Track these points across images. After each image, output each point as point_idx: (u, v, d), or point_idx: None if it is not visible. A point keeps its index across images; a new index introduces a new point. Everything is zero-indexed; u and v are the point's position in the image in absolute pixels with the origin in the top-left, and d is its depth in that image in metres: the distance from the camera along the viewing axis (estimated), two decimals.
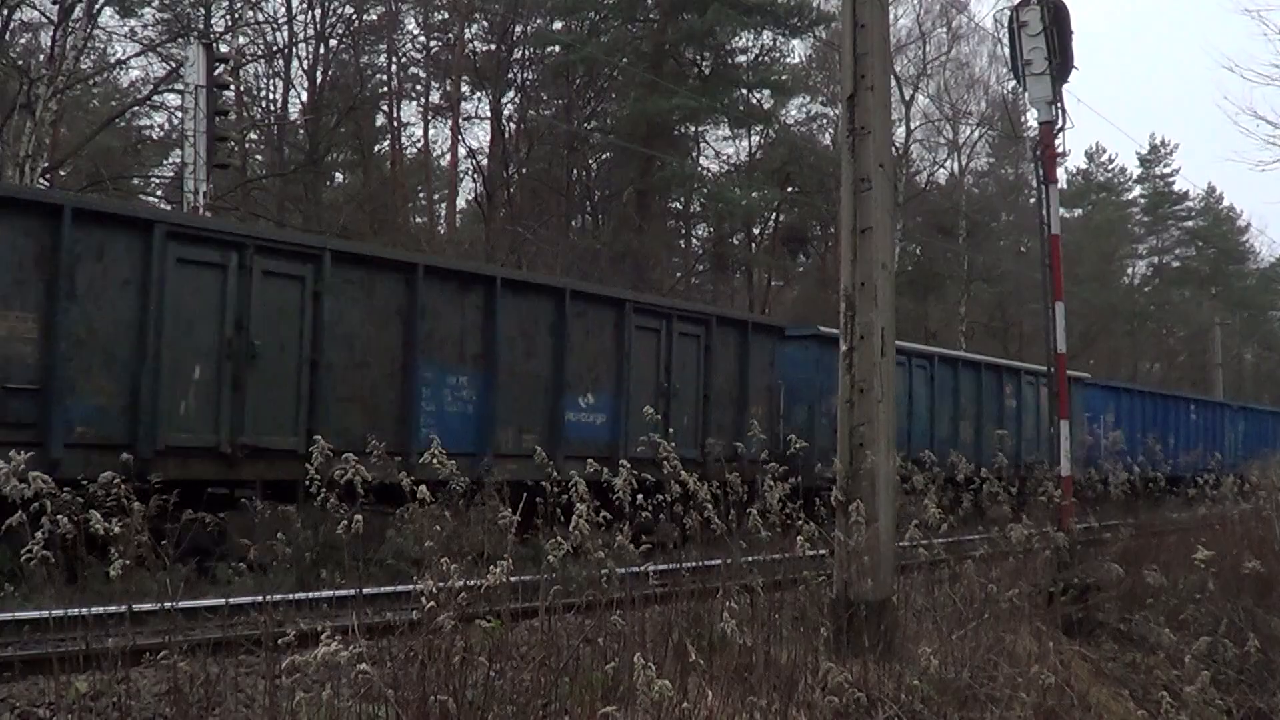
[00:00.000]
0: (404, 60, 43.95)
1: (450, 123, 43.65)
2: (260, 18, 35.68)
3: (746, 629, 7.26)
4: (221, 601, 8.12)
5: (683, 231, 49.94)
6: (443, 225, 45.23)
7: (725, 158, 49.38)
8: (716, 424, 18.82)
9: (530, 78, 44.21)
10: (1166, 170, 78.55)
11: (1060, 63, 14.29)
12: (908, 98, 50.29)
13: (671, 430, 17.36)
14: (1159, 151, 78.20)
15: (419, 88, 45.31)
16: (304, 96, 40.24)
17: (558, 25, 43.66)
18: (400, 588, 9.63)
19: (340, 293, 14.02)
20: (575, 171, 44.47)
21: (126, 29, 34.98)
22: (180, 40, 29.85)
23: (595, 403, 17.13)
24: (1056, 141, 14.42)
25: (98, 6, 27.75)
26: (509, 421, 15.76)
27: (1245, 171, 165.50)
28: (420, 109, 46.02)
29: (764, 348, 20.33)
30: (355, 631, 5.77)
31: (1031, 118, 15.77)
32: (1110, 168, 79.17)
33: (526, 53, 43.57)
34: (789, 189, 47.18)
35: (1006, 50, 15.11)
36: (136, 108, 36.16)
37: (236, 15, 34.77)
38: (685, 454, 12.11)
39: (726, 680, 6.76)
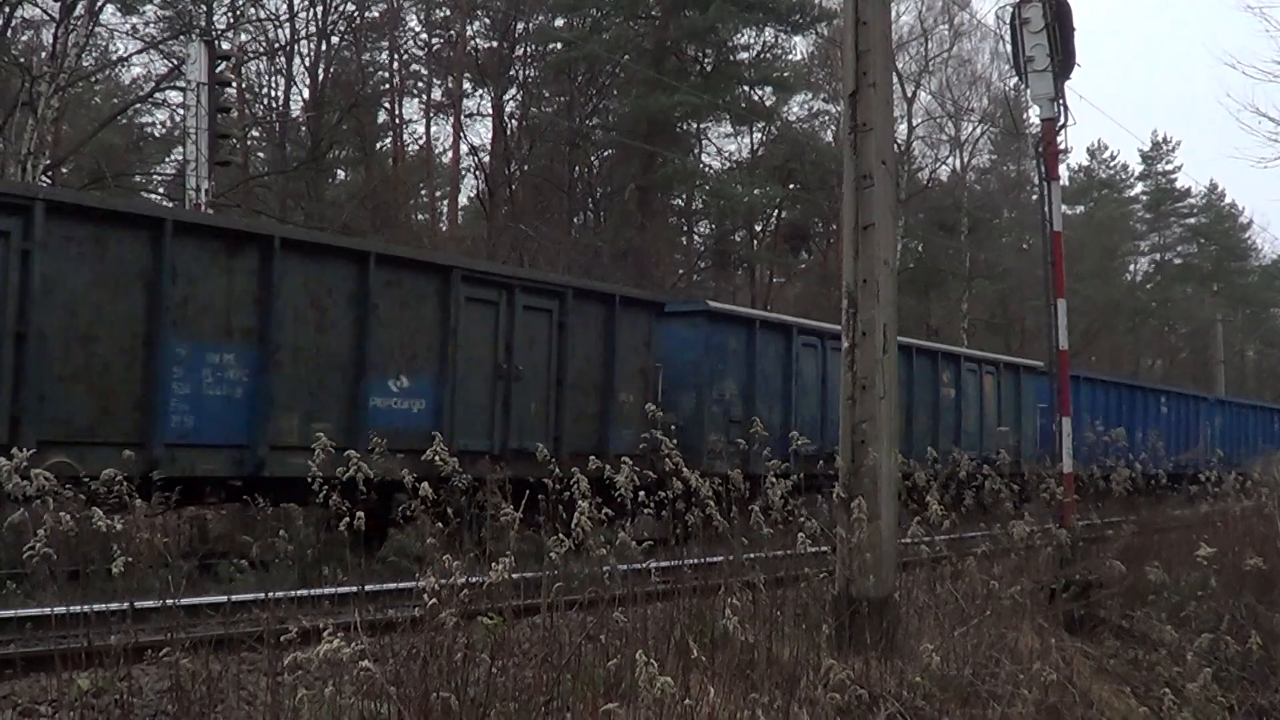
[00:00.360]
0: (406, 57, 44.02)
1: (452, 120, 43.73)
2: (262, 15, 35.74)
3: (748, 626, 7.26)
4: (224, 599, 8.12)
5: (685, 228, 49.90)
6: (444, 222, 45.26)
7: (727, 155, 49.40)
8: (573, 413, 16.78)
9: (532, 75, 44.24)
10: (1168, 167, 78.61)
11: (1062, 59, 14.28)
12: (910, 95, 50.35)
13: (513, 419, 16.07)
14: (1161, 148, 78.22)
15: (421, 85, 45.37)
16: (306, 94, 40.30)
17: (559, 22, 43.69)
18: (402, 584, 9.64)
19: (59, 252, 11.81)
20: (577, 169, 44.48)
21: (128, 26, 34.94)
22: (182, 37, 29.89)
23: (411, 387, 14.95)
24: (1059, 138, 14.42)
25: (99, 4, 27.74)
26: (292, 408, 13.53)
27: (1247, 168, 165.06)
28: (422, 106, 46.03)
29: (637, 326, 18.10)
30: (357, 628, 5.77)
31: (1034, 114, 15.74)
32: (1112, 164, 79.23)
33: (528, 50, 43.59)
34: (791, 186, 47.16)
35: (1008, 47, 15.09)
36: (138, 105, 36.28)
37: (238, 12, 34.82)
38: (529, 446, 11.01)
39: (728, 677, 6.76)
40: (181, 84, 26.81)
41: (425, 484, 6.83)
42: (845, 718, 6.80)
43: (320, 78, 39.33)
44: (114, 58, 36.36)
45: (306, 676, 5.17)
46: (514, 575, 5.96)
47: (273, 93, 41.73)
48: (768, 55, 45.83)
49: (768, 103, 46.52)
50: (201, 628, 7.33)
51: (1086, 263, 61.92)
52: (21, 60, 27.62)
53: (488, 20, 43.31)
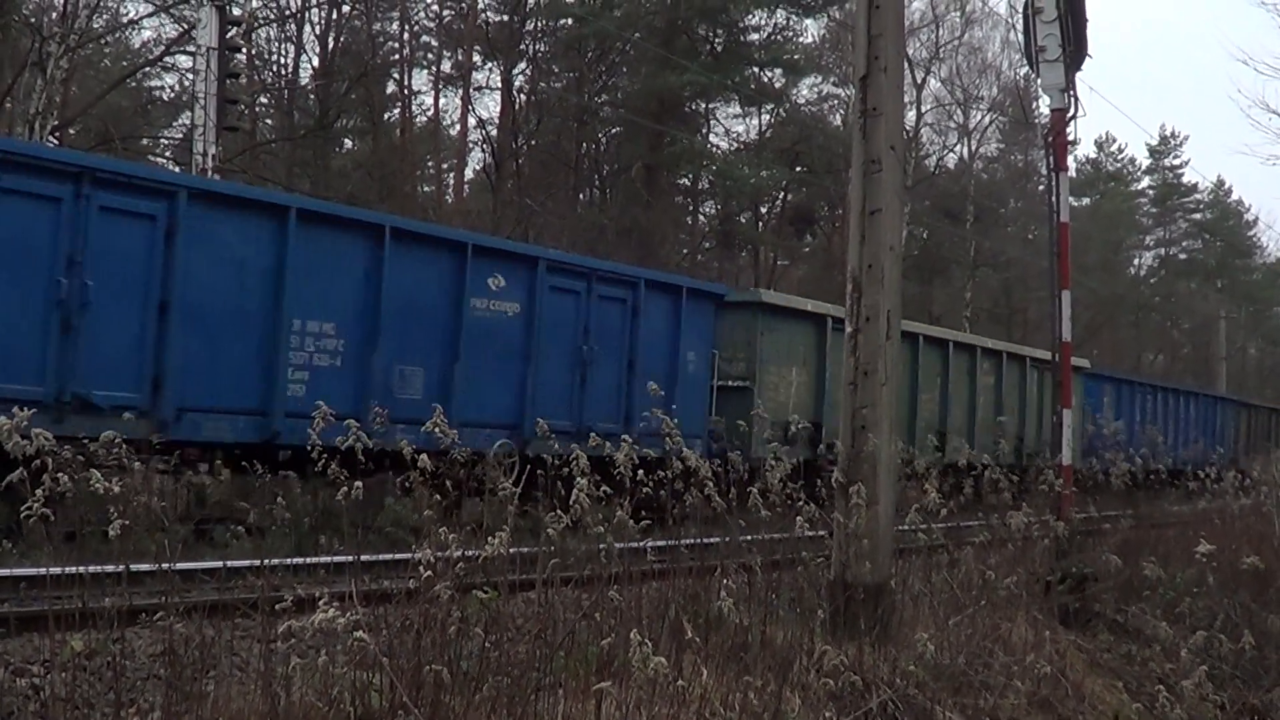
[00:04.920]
0: (416, 28, 43.93)
1: (461, 92, 43.65)
2: None
3: (743, 608, 7.25)
4: (219, 564, 8.12)
5: (690, 208, 49.87)
6: (450, 195, 45.18)
7: (735, 135, 49.31)
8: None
9: (542, 49, 44.11)
10: (1176, 162, 78.47)
11: (1074, 50, 14.22)
12: (919, 81, 50.20)
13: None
14: (1169, 143, 78.03)
15: (430, 56, 45.26)
16: (315, 62, 40.24)
17: None
18: (398, 555, 9.64)
19: None
20: (585, 145, 44.38)
21: None
22: (193, 2, 29.73)
23: None
24: (1068, 129, 14.37)
25: None
26: None
27: (1255, 165, 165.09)
28: (431, 78, 45.98)
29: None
30: (352, 598, 5.76)
31: (1044, 104, 15.69)
32: (1120, 157, 79.00)
33: (539, 24, 43.47)
34: (798, 169, 47.05)
35: (1020, 36, 15.04)
36: (148, 68, 36.12)
37: None
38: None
39: (722, 659, 6.76)
40: (191, 48, 26.76)
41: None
42: (837, 703, 6.80)
43: (330, 46, 39.30)
44: (124, 20, 36.27)
45: (300, 645, 5.16)
46: (510, 550, 5.96)
47: (282, 60, 41.69)
48: (779, 37, 45.70)
49: (777, 85, 46.48)
50: (196, 593, 7.34)
51: (1091, 255, 61.80)
52: (32, 20, 27.52)
53: None
